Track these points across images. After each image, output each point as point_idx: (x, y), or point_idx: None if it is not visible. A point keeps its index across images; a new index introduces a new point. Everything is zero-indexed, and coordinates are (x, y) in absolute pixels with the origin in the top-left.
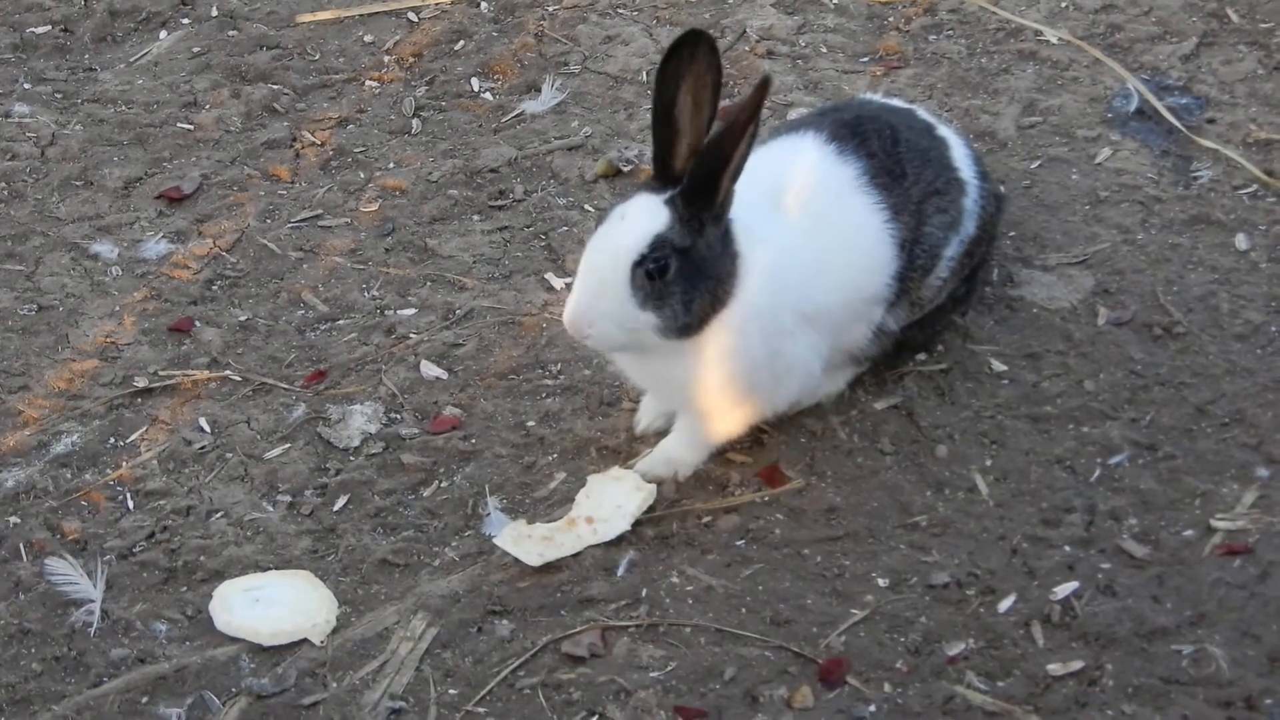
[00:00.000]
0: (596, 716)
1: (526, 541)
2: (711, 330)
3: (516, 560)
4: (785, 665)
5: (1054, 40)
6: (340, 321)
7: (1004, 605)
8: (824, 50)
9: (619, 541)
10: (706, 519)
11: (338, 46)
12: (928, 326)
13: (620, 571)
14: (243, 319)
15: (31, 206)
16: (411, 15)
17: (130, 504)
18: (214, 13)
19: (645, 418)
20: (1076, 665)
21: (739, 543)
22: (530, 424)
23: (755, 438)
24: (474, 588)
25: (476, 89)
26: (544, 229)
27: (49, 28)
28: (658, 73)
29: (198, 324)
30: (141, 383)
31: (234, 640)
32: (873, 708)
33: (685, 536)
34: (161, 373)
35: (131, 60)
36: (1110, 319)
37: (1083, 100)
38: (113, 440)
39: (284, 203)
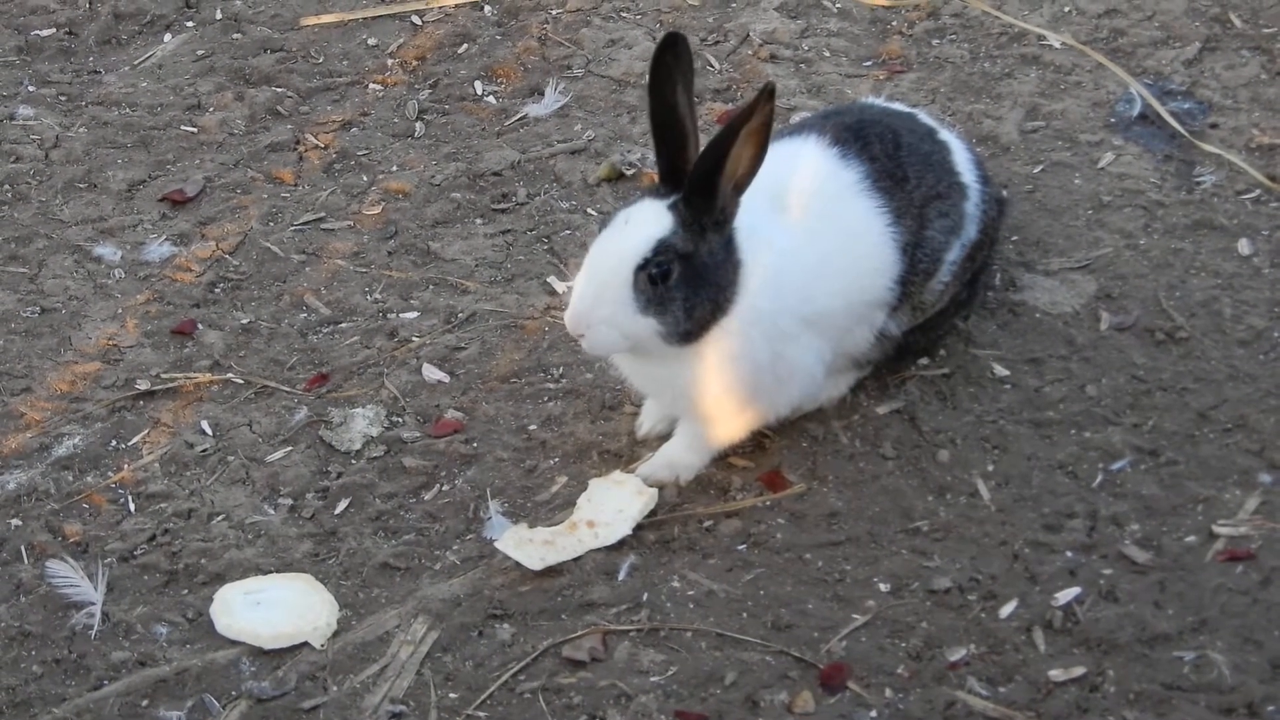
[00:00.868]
0: None
1: (528, 545)
2: (713, 335)
3: (517, 564)
4: (786, 670)
5: (1057, 45)
6: (342, 324)
7: (1005, 610)
8: (827, 54)
9: (620, 545)
10: (708, 523)
11: (341, 50)
12: (930, 331)
13: (621, 575)
14: (245, 322)
15: (35, 209)
16: (415, 19)
17: (131, 506)
18: (218, 16)
19: (647, 422)
20: (1078, 671)
21: (740, 547)
22: (532, 428)
23: (757, 442)
24: (475, 591)
25: (480, 92)
26: (546, 232)
27: (53, 30)
28: (651, 81)
29: (200, 326)
30: (144, 385)
31: (234, 643)
32: (874, 713)
33: (686, 541)
34: (164, 375)
35: (135, 63)
36: (1112, 324)
37: (1085, 105)
38: (114, 443)
39: (287, 205)
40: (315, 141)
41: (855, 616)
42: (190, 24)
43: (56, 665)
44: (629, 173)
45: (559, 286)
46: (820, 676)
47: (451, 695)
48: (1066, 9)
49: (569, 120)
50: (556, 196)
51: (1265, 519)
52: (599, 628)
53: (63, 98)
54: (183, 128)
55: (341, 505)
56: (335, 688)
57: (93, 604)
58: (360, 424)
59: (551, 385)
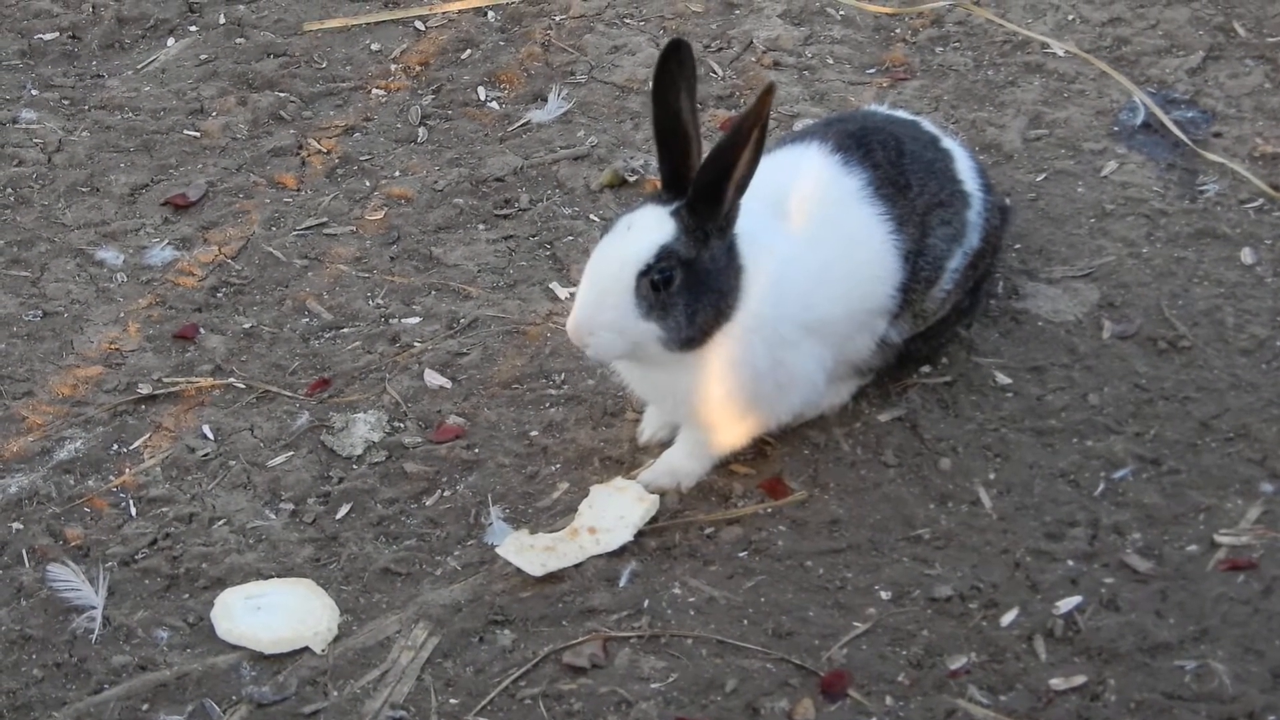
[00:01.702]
0: None
1: (529, 551)
2: (715, 341)
3: (518, 570)
4: (787, 677)
5: (1061, 53)
6: (344, 330)
7: (1007, 619)
8: (830, 61)
9: (621, 552)
10: (709, 530)
11: (344, 55)
12: (932, 339)
13: (622, 582)
14: (247, 326)
15: (38, 212)
16: (419, 24)
17: (133, 511)
18: (221, 20)
19: (649, 428)
20: (1079, 680)
21: (741, 554)
22: (533, 434)
23: (758, 449)
24: (476, 597)
25: (483, 98)
26: (549, 238)
27: (57, 34)
28: (654, 88)
29: (202, 331)
30: (145, 389)
31: (235, 648)
32: None
33: (688, 547)
34: (165, 380)
35: (139, 67)
36: (1115, 332)
37: (1089, 113)
38: (116, 447)
39: (289, 210)
40: (318, 146)
41: (856, 624)
42: (193, 28)
43: (57, 669)
44: (632, 179)
45: (561, 292)
46: (821, 684)
47: (452, 701)
48: (1070, 17)
49: (572, 126)
50: (559, 202)
51: (1267, 528)
52: (600, 634)
53: (65, 102)
54: (185, 132)
55: (343, 510)
56: (336, 693)
57: (93, 608)
58: (362, 429)
59: (553, 391)
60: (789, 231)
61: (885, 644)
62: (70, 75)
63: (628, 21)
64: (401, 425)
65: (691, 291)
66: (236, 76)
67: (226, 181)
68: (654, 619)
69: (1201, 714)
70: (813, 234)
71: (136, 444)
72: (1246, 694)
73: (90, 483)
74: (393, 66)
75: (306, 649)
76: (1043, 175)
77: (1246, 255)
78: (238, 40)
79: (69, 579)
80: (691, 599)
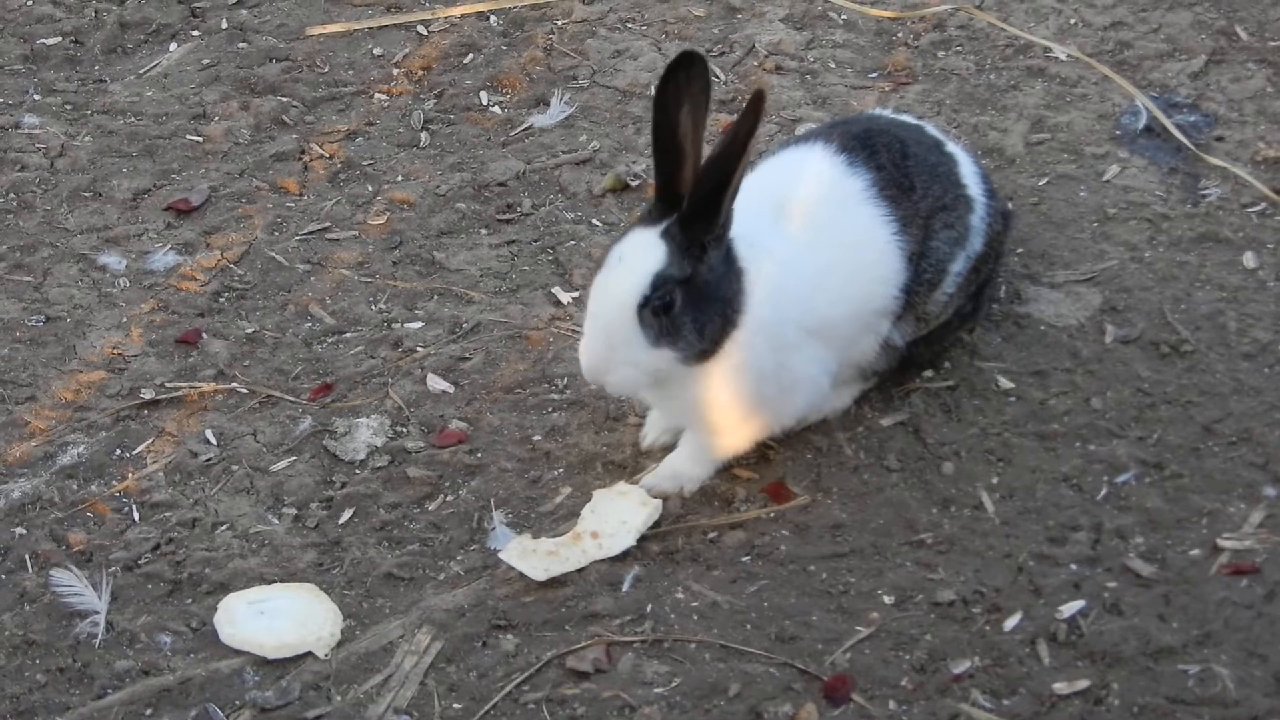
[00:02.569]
0: None
1: (532, 556)
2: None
3: (521, 575)
4: (790, 682)
5: (1063, 57)
6: (347, 334)
7: (1010, 623)
8: (832, 65)
9: (624, 557)
10: (712, 535)
11: (347, 59)
12: (934, 342)
13: (625, 587)
14: (250, 331)
15: (40, 217)
16: (421, 29)
17: (136, 516)
18: (224, 25)
19: (651, 433)
20: (1082, 684)
21: (744, 559)
22: (536, 438)
23: (761, 453)
24: (479, 602)
25: (485, 102)
26: (551, 243)
27: (59, 39)
28: (656, 97)
29: (205, 336)
30: (148, 394)
31: (238, 653)
32: None
33: (691, 552)
34: (168, 384)
35: (141, 72)
36: (1117, 337)
37: (1091, 117)
38: (119, 452)
39: (292, 215)
40: (320, 151)
41: (859, 628)
42: (196, 33)
43: (60, 674)
44: (634, 183)
45: (564, 297)
46: (824, 688)
47: (455, 706)
48: (1072, 21)
49: (574, 131)
50: (561, 207)
51: (1270, 532)
52: (603, 639)
53: (68, 106)
54: (188, 137)
55: (346, 515)
56: (339, 698)
57: (97, 613)
58: (364, 434)
59: (556, 396)
60: (790, 233)
61: (888, 648)
62: (73, 80)
63: (630, 26)
64: (404, 430)
65: (695, 307)
66: (239, 81)
67: (229, 186)
68: (657, 623)
69: (1204, 718)
70: (815, 235)
71: (139, 449)
72: (1250, 698)
73: (93, 488)
74: (395, 71)
75: (309, 654)
76: (1045, 179)
77: (1249, 259)
78: (240, 45)
79: (72, 584)
80: (694, 603)
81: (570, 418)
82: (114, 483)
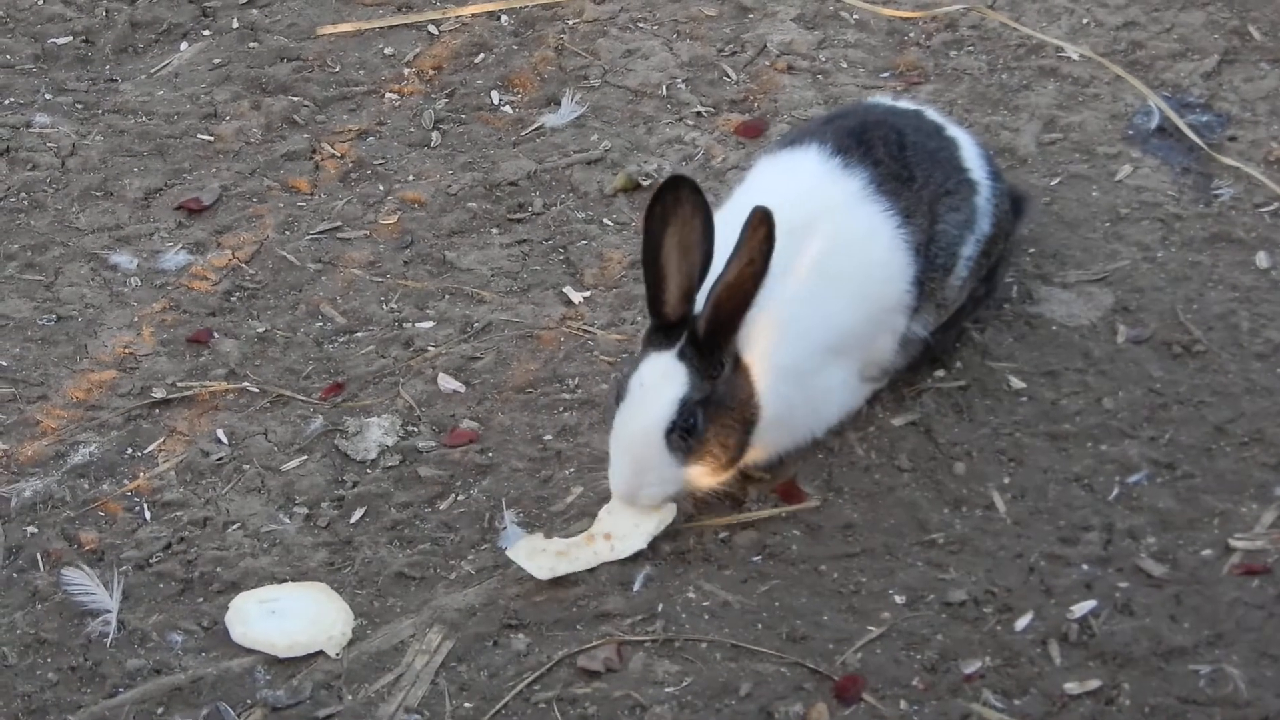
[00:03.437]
0: None
1: (540, 555)
2: None
3: (531, 574)
4: (801, 682)
5: (1075, 57)
6: (358, 334)
7: (1021, 623)
8: (844, 65)
9: (635, 556)
10: (723, 535)
11: (358, 59)
12: (950, 328)
13: (636, 586)
14: (261, 331)
15: (51, 217)
16: (432, 28)
17: (147, 515)
18: (235, 25)
19: None
20: (1093, 684)
21: (756, 559)
22: (547, 438)
23: None
24: (490, 601)
25: (496, 102)
26: (563, 243)
27: (70, 39)
28: (645, 216)
29: (216, 335)
30: (159, 394)
31: (250, 652)
32: None
33: (702, 552)
34: (179, 384)
35: (152, 71)
36: (1130, 337)
37: (1103, 117)
38: (130, 451)
39: (303, 215)
40: (331, 151)
41: (870, 628)
42: (207, 33)
43: (72, 673)
44: (645, 183)
45: (575, 297)
46: (835, 688)
47: (466, 705)
48: (1085, 21)
49: (585, 130)
50: (573, 207)
51: None
52: (614, 638)
53: (79, 106)
54: (199, 136)
55: (357, 514)
56: (350, 697)
57: (108, 612)
58: (376, 433)
59: (567, 395)
60: (791, 259)
61: (899, 648)
62: (84, 79)
63: (641, 26)
64: (415, 430)
65: (716, 421)
66: (250, 81)
67: (240, 186)
68: (668, 623)
69: (1216, 718)
70: (818, 250)
71: (150, 448)
72: (1261, 699)
73: (104, 487)
74: (406, 71)
75: (321, 653)
76: (1057, 179)
77: (1261, 259)
78: (251, 44)
79: (83, 583)
80: (706, 603)
81: (581, 417)
82: (125, 482)
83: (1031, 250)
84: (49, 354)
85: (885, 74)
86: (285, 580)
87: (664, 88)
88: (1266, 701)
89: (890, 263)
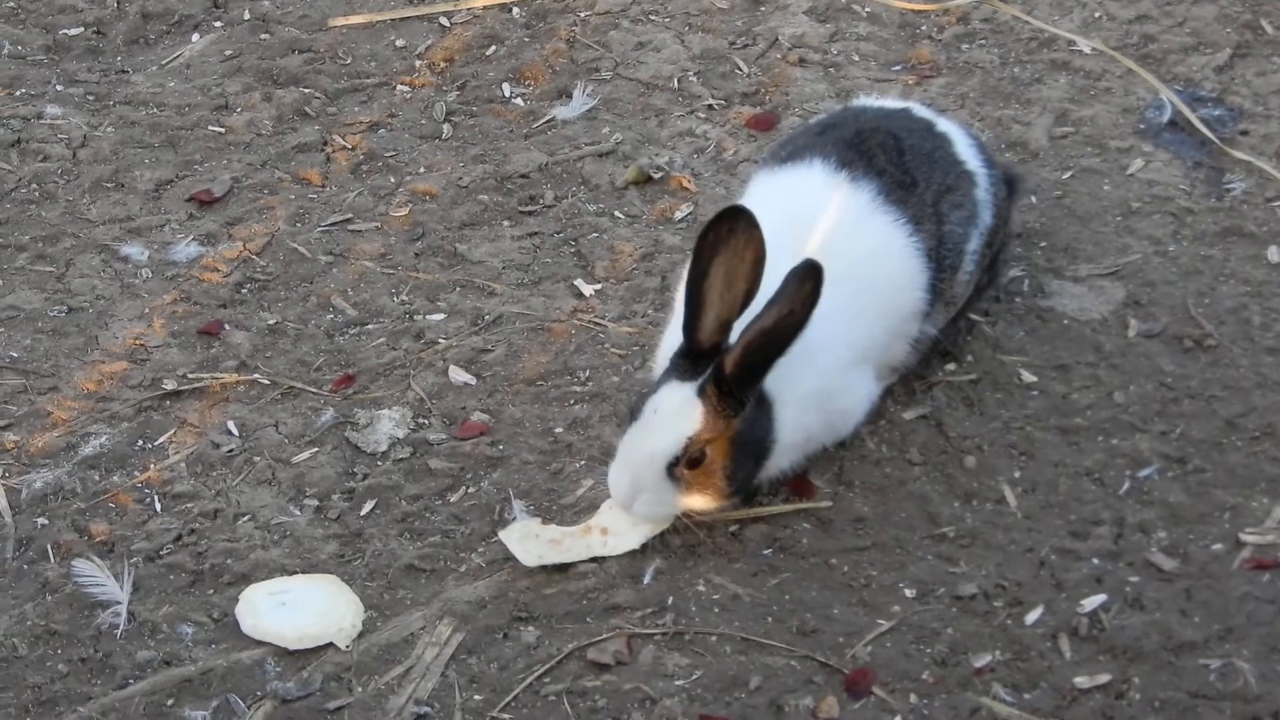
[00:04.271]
0: None
1: (532, 540)
2: None
3: (542, 566)
4: (811, 675)
5: (1087, 50)
6: (369, 326)
7: (1031, 617)
8: (856, 58)
9: (645, 549)
10: (734, 528)
11: (369, 51)
12: (957, 320)
13: (646, 579)
14: (272, 322)
15: (62, 208)
16: (444, 20)
17: (158, 506)
18: (246, 16)
19: None
20: (1103, 678)
21: (766, 552)
22: (558, 430)
23: None
24: (500, 594)
25: (508, 94)
26: (574, 235)
27: (81, 30)
28: (697, 240)
29: (227, 327)
30: (170, 385)
31: (260, 644)
32: (899, 718)
33: (712, 545)
34: (190, 375)
35: (163, 63)
36: (1141, 331)
37: (1115, 111)
38: (141, 443)
39: (314, 206)
40: (343, 143)
41: (880, 622)
42: (218, 24)
43: (82, 664)
44: (657, 176)
45: (586, 289)
46: (845, 682)
47: (476, 697)
48: (1097, 14)
49: (597, 123)
50: (584, 199)
51: None
52: (624, 631)
53: (90, 97)
54: (210, 128)
55: (367, 507)
56: (360, 689)
57: (118, 603)
58: (386, 426)
59: (578, 388)
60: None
61: (910, 642)
62: (95, 71)
63: (653, 18)
64: (426, 422)
65: (727, 456)
66: (261, 72)
67: (251, 178)
68: (678, 616)
69: (1226, 713)
70: (836, 268)
71: (161, 440)
72: (1272, 693)
73: (115, 478)
74: (417, 63)
75: (331, 645)
76: (1069, 173)
77: (1273, 253)
78: (262, 36)
79: (94, 574)
80: (716, 596)
81: (592, 410)
82: (136, 473)
83: (1043, 244)
84: (60, 345)
85: (897, 67)
86: (295, 572)
87: (676, 80)
88: (1277, 696)
89: (906, 273)
